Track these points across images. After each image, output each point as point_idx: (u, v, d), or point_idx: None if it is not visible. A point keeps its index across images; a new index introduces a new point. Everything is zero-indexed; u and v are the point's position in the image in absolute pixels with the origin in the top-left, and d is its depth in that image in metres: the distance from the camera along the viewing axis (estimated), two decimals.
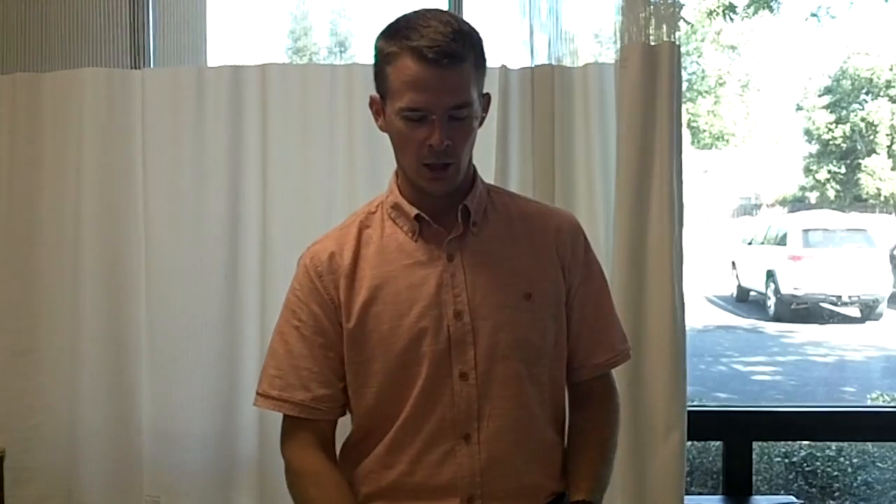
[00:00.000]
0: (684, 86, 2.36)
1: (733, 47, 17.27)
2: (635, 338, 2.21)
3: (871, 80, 14.51)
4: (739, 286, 10.70)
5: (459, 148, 1.37)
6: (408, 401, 1.41)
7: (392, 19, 1.38)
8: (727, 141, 18.11)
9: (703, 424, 2.47)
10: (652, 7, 2.24)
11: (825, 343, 8.54)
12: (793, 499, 2.73)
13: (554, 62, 2.34)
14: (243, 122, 2.42)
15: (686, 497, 2.26)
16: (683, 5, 2.30)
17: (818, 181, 14.97)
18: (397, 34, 1.34)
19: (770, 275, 9.64)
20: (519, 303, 1.43)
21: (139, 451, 2.45)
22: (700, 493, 3.58)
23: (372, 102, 1.43)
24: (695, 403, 2.61)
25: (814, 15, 8.56)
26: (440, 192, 1.41)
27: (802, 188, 15.77)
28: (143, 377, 2.45)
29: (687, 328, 2.27)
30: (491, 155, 2.29)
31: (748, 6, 7.23)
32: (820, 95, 15.08)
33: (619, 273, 2.24)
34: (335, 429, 1.49)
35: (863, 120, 14.28)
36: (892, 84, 14.27)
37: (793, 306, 9.40)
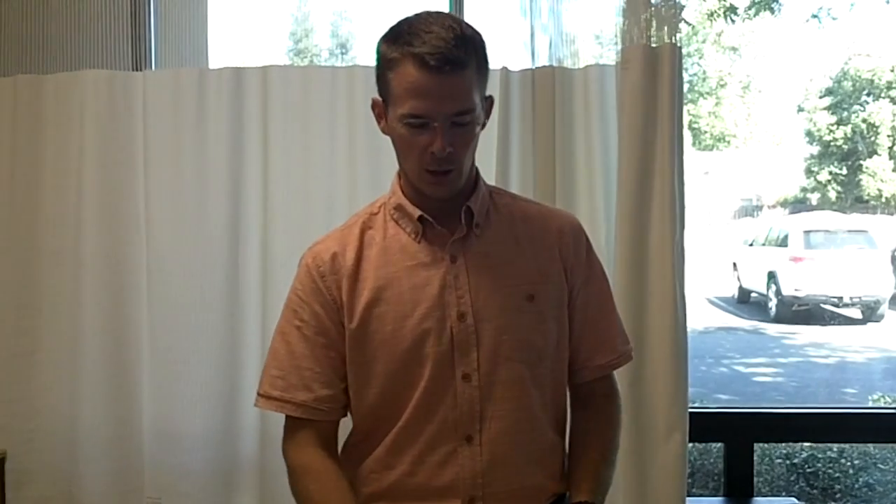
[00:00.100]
0: (685, 87, 2.36)
1: (734, 49, 17.29)
2: (637, 339, 2.21)
3: (872, 81, 14.52)
4: (741, 287, 10.70)
5: (461, 154, 1.37)
6: (410, 402, 1.41)
7: (394, 21, 1.37)
8: (728, 142, 18.12)
9: (704, 426, 2.47)
10: (653, 9, 2.25)
11: (826, 344, 8.54)
12: (794, 500, 2.73)
13: (555, 64, 2.34)
14: (244, 124, 2.42)
15: (687, 498, 2.26)
16: (684, 7, 2.30)
17: (819, 182, 14.98)
18: (399, 39, 1.33)
19: (771, 276, 9.64)
20: (522, 304, 1.43)
21: (140, 453, 2.45)
22: (701, 495, 3.59)
23: (374, 105, 1.42)
24: (696, 405, 2.61)
25: (815, 16, 8.57)
26: (442, 196, 1.41)
27: (804, 189, 15.78)
28: (143, 378, 2.45)
29: (688, 329, 2.27)
30: (492, 156, 2.29)
31: (749, 8, 7.23)
32: (821, 97, 15.09)
33: (621, 274, 2.24)
34: (337, 429, 1.49)
35: (864, 121, 14.29)
36: (894, 85, 14.28)
37: (794, 308, 9.41)
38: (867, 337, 8.84)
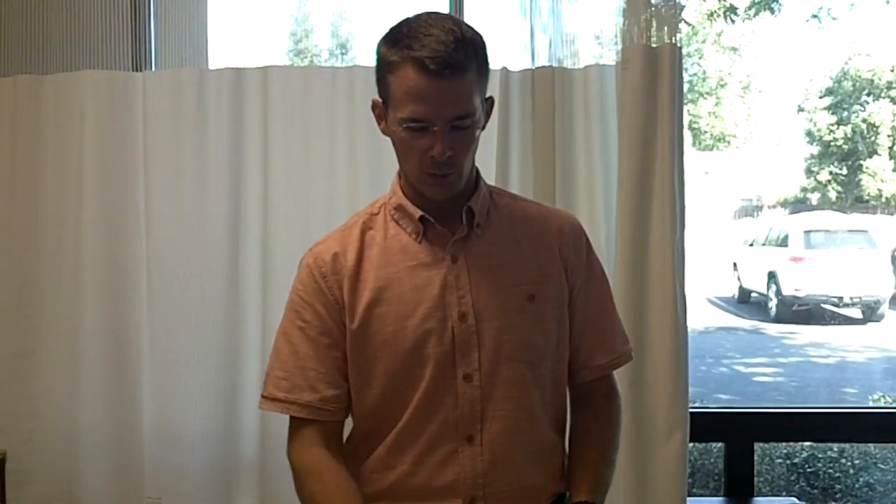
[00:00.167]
0: (685, 87, 2.36)
1: (734, 49, 17.30)
2: (637, 339, 2.21)
3: (872, 81, 14.53)
4: (741, 287, 10.71)
5: (461, 157, 1.37)
6: (411, 402, 1.41)
7: (394, 22, 1.37)
8: (728, 142, 18.13)
9: (704, 426, 2.47)
10: (653, 9, 2.25)
11: (827, 344, 8.54)
12: (794, 500, 2.73)
13: (555, 64, 2.34)
14: (244, 125, 2.42)
15: (688, 498, 2.26)
16: (684, 7, 2.30)
17: (819, 182, 14.99)
18: (399, 42, 1.32)
19: (771, 276, 9.65)
20: (523, 305, 1.43)
21: (140, 453, 2.45)
22: (702, 495, 3.58)
23: (374, 106, 1.42)
24: (696, 405, 2.61)
25: (815, 16, 8.57)
26: (442, 198, 1.41)
27: (804, 189, 15.79)
28: (144, 378, 2.45)
29: (688, 329, 2.27)
30: (492, 157, 2.29)
31: (749, 8, 7.24)
32: (821, 97, 15.10)
33: (621, 274, 2.24)
34: (342, 429, 1.49)
35: (864, 121, 14.30)
36: (894, 85, 14.28)
37: (794, 307, 9.41)
38: (867, 337, 8.84)
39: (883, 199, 13.97)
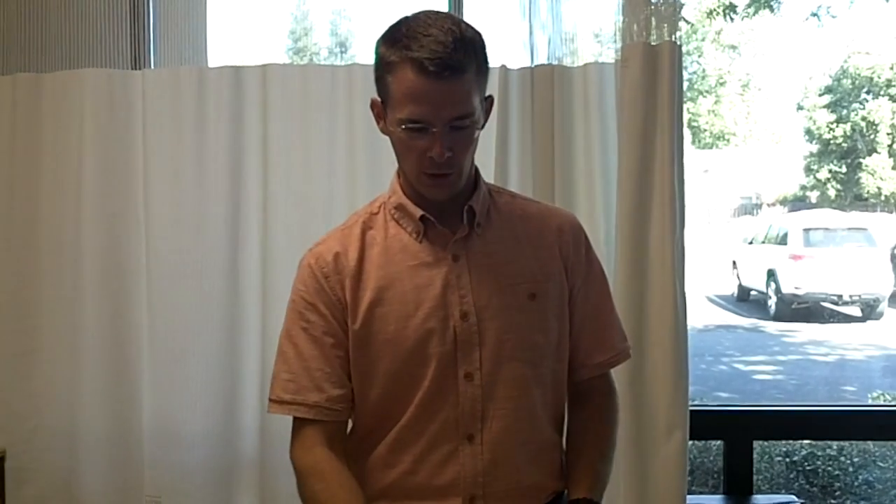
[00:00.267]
0: (685, 85, 2.36)
1: (734, 47, 17.29)
2: (637, 337, 2.21)
3: (871, 79, 14.52)
4: (740, 285, 10.71)
5: (461, 157, 1.36)
6: (412, 401, 1.41)
7: (393, 21, 1.36)
8: (728, 140, 18.13)
9: (703, 424, 2.46)
10: (652, 7, 2.24)
11: (826, 342, 8.55)
12: (794, 498, 2.74)
13: (554, 62, 2.34)
14: (244, 123, 2.42)
15: (687, 496, 2.26)
16: (684, 5, 2.30)
17: (819, 180, 14.99)
18: (398, 42, 1.31)
19: (771, 274, 9.64)
20: (524, 304, 1.43)
21: (140, 452, 2.45)
22: (701, 493, 3.59)
23: (373, 105, 1.41)
24: (696, 403, 2.61)
25: (814, 14, 8.56)
26: (441, 198, 1.41)
27: (803, 187, 15.79)
28: (143, 377, 2.45)
29: (688, 328, 2.27)
30: (491, 155, 2.29)
31: (748, 6, 7.24)
32: (820, 95, 15.09)
33: (621, 273, 2.24)
34: (345, 428, 1.48)
35: (863, 119, 14.30)
36: (893, 83, 14.27)
37: (794, 305, 9.41)
38: (867, 335, 8.84)
39: (882, 197, 13.97)
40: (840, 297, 9.26)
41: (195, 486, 2.43)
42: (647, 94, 2.22)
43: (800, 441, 3.92)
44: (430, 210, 1.43)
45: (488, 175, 2.13)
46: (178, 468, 2.43)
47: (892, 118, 13.97)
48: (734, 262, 11.01)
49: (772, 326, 9.27)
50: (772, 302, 9.60)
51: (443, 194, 1.40)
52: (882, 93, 14.33)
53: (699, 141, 17.42)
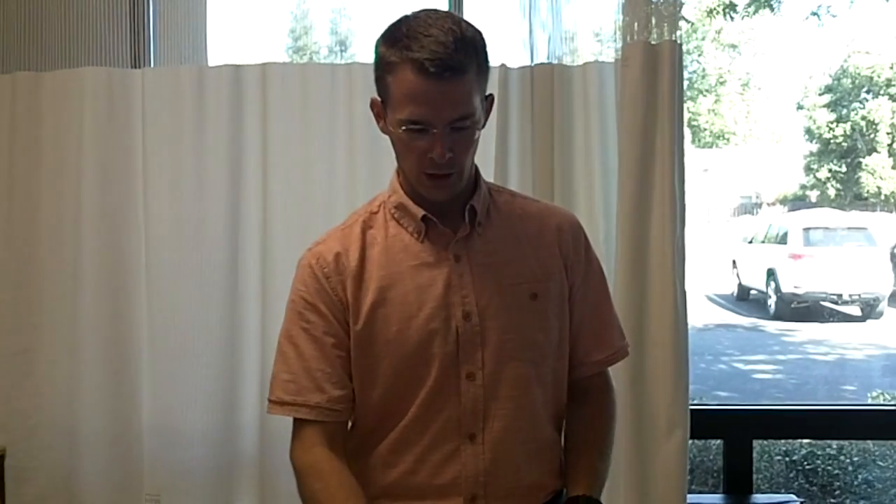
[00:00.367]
0: (684, 84, 2.36)
1: (734, 46, 17.27)
2: (637, 336, 2.21)
3: (871, 78, 14.50)
4: (740, 285, 10.70)
5: (462, 158, 1.36)
6: (414, 401, 1.41)
7: (393, 19, 1.36)
8: (728, 140, 18.11)
9: (703, 423, 2.47)
10: (652, 6, 2.24)
11: (826, 341, 8.55)
12: (793, 497, 2.74)
13: (554, 61, 2.34)
14: (244, 122, 2.42)
15: (687, 495, 2.26)
16: (684, 4, 2.29)
17: (819, 180, 14.98)
18: (398, 42, 1.30)
19: (771, 273, 9.64)
20: (525, 304, 1.43)
21: (139, 450, 2.45)
22: (701, 492, 3.59)
23: (373, 104, 1.41)
24: (695, 402, 2.61)
25: (814, 14, 8.53)
26: (441, 199, 1.40)
27: (803, 187, 15.78)
28: (143, 376, 2.45)
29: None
30: (490, 154, 2.29)
31: (749, 5, 7.23)
32: (820, 94, 15.07)
33: (622, 272, 2.24)
34: (346, 429, 1.47)
35: (863, 118, 14.28)
36: (893, 82, 14.26)
37: (793, 305, 9.41)
38: (866, 334, 8.84)
39: (882, 197, 13.96)
40: (840, 296, 9.26)
41: (195, 484, 2.43)
42: (647, 93, 2.22)
43: (799, 440, 3.92)
44: (431, 210, 1.42)
45: (488, 174, 2.13)
46: (178, 466, 2.43)
47: (892, 117, 13.95)
48: (734, 262, 11.00)
49: (771, 326, 9.27)
50: (771, 301, 9.60)
51: (443, 195, 1.39)
52: (882, 92, 14.31)
53: (699, 140, 17.41)
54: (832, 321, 9.31)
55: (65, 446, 2.44)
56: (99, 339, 2.43)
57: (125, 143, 2.44)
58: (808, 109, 15.24)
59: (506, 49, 2.40)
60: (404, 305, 1.41)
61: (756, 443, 2.86)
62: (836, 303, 9.39)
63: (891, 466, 3.98)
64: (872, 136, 14.05)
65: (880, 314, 9.31)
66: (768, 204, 16.69)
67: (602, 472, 1.50)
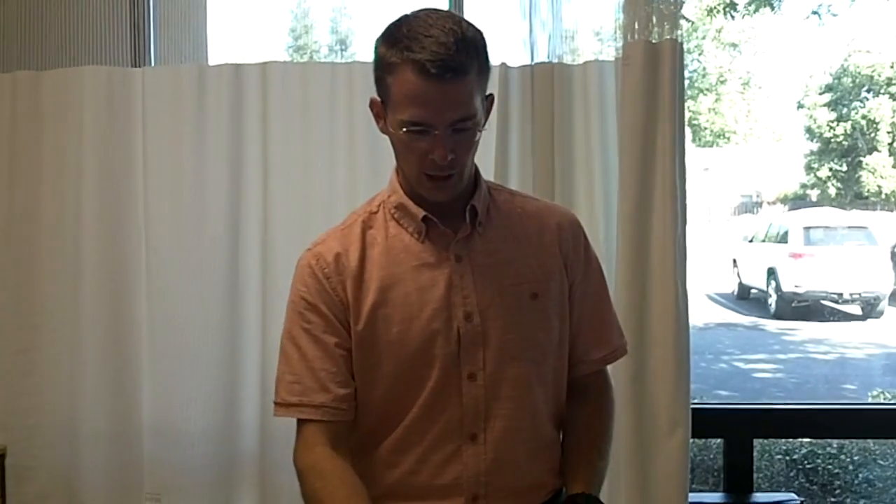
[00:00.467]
0: (685, 83, 2.36)
1: (734, 45, 17.27)
2: (639, 335, 2.21)
3: (872, 77, 14.50)
4: (740, 284, 10.71)
5: (463, 159, 1.35)
6: (416, 402, 1.41)
7: (393, 18, 1.35)
8: (728, 139, 18.11)
9: (704, 422, 2.46)
10: (653, 5, 2.24)
11: (826, 340, 8.55)
12: (794, 496, 2.73)
13: (554, 60, 2.33)
14: (244, 121, 2.42)
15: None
16: (684, 3, 2.29)
17: (819, 179, 14.98)
18: (398, 43, 1.29)
19: (771, 272, 9.65)
20: (526, 304, 1.43)
21: (140, 449, 2.45)
22: (701, 491, 3.59)
23: (372, 104, 1.40)
24: (696, 401, 2.61)
25: (815, 13, 8.53)
26: (442, 200, 1.39)
27: (803, 186, 15.78)
28: (143, 375, 2.45)
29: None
30: (490, 153, 2.29)
31: (749, 4, 7.23)
32: (821, 93, 15.07)
33: (623, 271, 2.24)
34: (349, 429, 1.45)
35: (864, 117, 14.28)
36: (894, 81, 14.26)
37: (794, 304, 9.41)
38: (867, 333, 8.85)
39: (882, 196, 13.96)
40: (840, 295, 9.27)
41: (195, 482, 2.43)
42: (647, 92, 2.22)
43: (800, 439, 3.92)
44: (431, 210, 1.41)
45: (488, 174, 2.12)
46: (178, 465, 2.43)
47: (893, 116, 13.95)
48: (734, 261, 11.01)
49: (772, 325, 9.27)
50: (772, 300, 9.60)
51: (444, 196, 1.39)
52: (882, 91, 14.31)
53: (700, 139, 17.41)
54: (832, 320, 9.32)
55: (65, 445, 2.45)
56: (99, 338, 2.43)
57: (125, 142, 2.44)
58: (809, 108, 15.23)
59: (506, 48, 2.40)
60: (406, 306, 1.40)
61: (756, 442, 2.86)
62: (836, 302, 9.40)
63: (891, 465, 3.98)
64: (873, 134, 14.05)
65: (881, 313, 9.31)
66: (769, 203, 16.69)
67: (601, 470, 1.50)
